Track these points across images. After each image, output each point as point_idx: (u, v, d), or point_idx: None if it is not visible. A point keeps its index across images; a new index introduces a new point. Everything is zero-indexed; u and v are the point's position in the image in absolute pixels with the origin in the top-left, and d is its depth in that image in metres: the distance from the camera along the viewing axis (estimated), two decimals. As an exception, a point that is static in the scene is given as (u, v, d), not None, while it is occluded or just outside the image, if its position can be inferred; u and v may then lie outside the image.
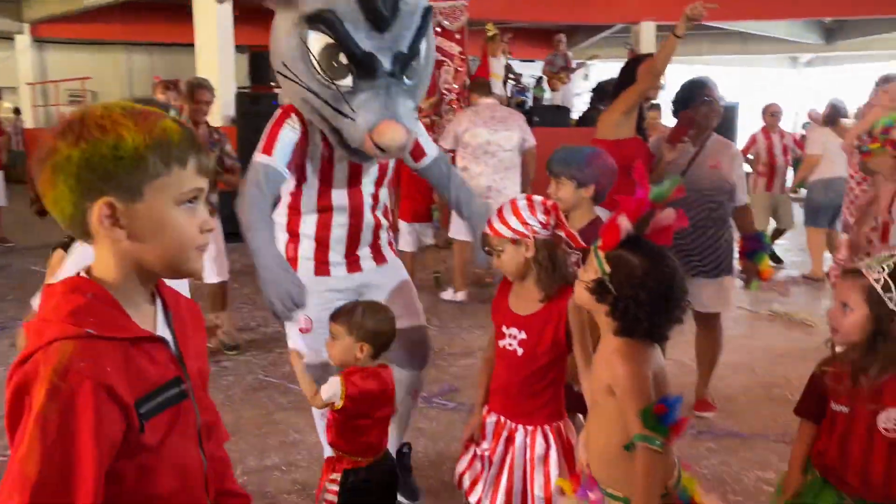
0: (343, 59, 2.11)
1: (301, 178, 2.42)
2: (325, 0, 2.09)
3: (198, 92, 4.24)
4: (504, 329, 2.01)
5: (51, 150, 1.00)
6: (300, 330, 2.50)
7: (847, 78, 22.58)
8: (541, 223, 1.93)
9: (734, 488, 2.89)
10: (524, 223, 1.92)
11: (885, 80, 4.44)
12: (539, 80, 13.83)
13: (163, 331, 1.13)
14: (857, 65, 20.59)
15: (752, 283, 3.52)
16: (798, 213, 7.15)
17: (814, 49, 18.80)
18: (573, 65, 12.53)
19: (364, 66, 2.10)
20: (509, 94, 13.35)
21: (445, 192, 2.66)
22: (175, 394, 1.09)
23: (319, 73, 2.14)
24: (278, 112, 2.37)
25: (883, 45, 17.31)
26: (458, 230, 5.56)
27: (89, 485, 0.95)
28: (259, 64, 9.76)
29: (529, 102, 12.46)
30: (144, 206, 1.03)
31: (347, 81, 2.13)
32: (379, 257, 2.60)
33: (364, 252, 2.55)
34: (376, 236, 2.58)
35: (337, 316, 2.20)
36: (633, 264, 1.50)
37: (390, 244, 2.68)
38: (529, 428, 1.98)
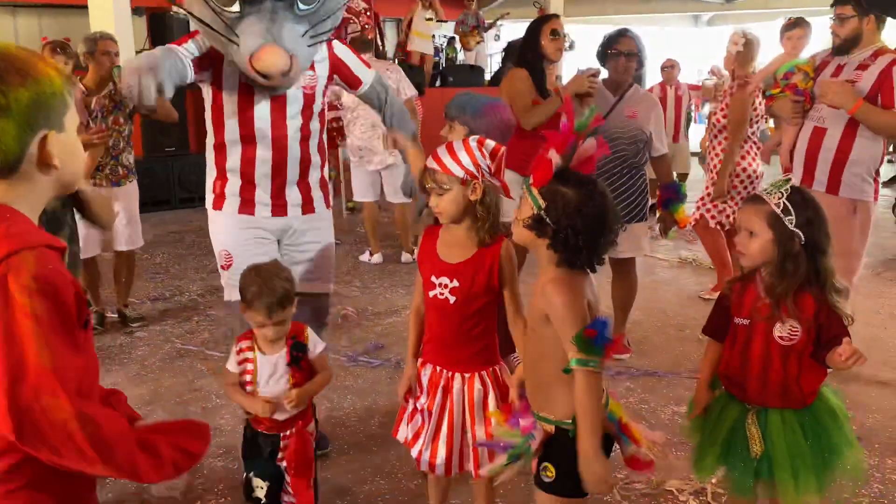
0: None
1: (218, 104, 2.39)
2: None
3: (102, 44, 3.86)
4: (433, 279, 1.95)
5: None
6: (221, 266, 2.53)
7: (745, 36, 23.40)
8: (487, 166, 1.87)
9: (651, 423, 3.01)
10: (476, 163, 1.86)
11: (788, 27, 4.60)
12: (451, 39, 13.78)
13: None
14: (757, 23, 21.46)
15: (670, 231, 3.65)
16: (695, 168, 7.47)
17: (715, 7, 19.41)
18: (485, 24, 12.52)
19: None
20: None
21: (381, 116, 2.71)
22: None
23: (211, 1, 2.13)
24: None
25: (781, 3, 18.06)
26: (363, 193, 5.57)
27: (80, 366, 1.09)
28: (159, 26, 9.29)
29: (443, 63, 12.44)
30: (65, 135, 1.16)
31: (235, 7, 2.11)
32: (307, 205, 2.56)
33: (293, 195, 2.50)
34: (305, 174, 2.52)
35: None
36: (567, 195, 1.54)
37: (325, 189, 2.63)
38: (466, 375, 1.96)
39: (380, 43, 10.13)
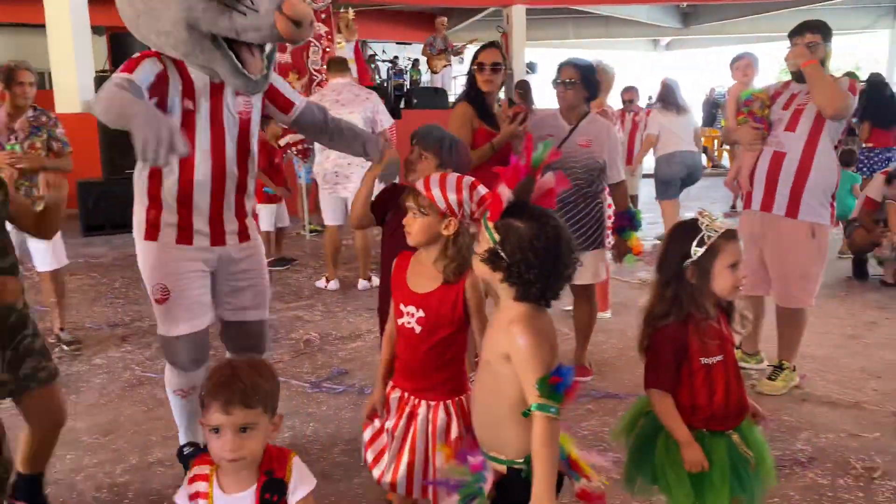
0: None
1: None
2: None
3: (17, 74, 3.98)
4: (402, 307, 1.98)
5: None
6: (155, 300, 2.47)
7: (703, 59, 24.12)
8: (471, 210, 1.88)
9: (613, 446, 3.05)
10: (460, 203, 1.86)
11: (735, 59, 4.84)
12: (415, 62, 13.91)
13: None
14: (713, 48, 22.10)
15: (627, 257, 3.70)
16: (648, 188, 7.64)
17: (672, 32, 19.91)
18: (453, 47, 12.67)
19: None
20: (386, 77, 13.39)
21: (324, 134, 2.71)
22: None
23: None
24: (137, 55, 2.29)
25: (735, 29, 18.67)
26: (332, 217, 5.53)
27: None
28: (119, 45, 9.18)
29: (407, 84, 12.54)
30: None
31: None
32: (243, 233, 2.57)
33: (229, 222, 2.51)
34: (241, 202, 2.54)
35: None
36: (521, 230, 1.55)
37: (255, 217, 2.70)
38: (432, 403, 1.97)
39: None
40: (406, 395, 2.01)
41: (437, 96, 11.05)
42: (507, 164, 3.47)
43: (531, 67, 17.86)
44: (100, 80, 8.34)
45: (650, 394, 1.92)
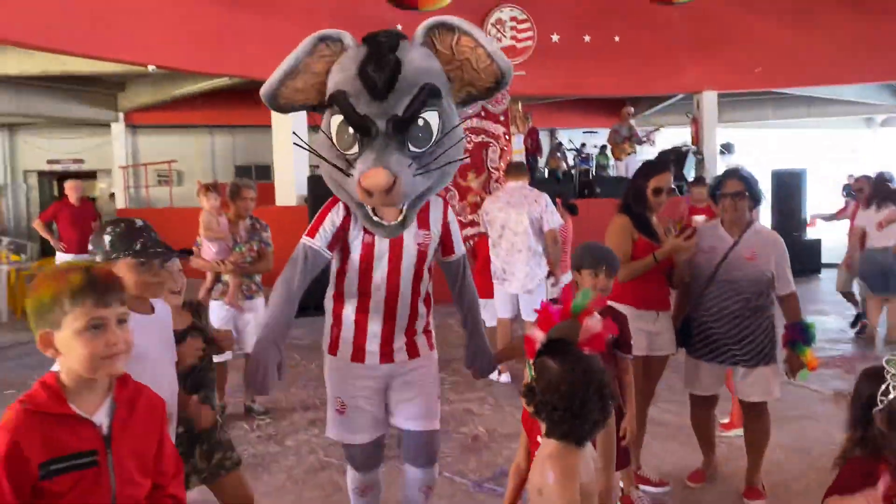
0: (350, 129, 2.37)
1: (344, 262, 2.62)
2: (337, 83, 2.41)
3: (242, 191, 4.87)
4: (540, 439, 2.06)
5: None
6: (335, 410, 2.74)
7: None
8: None
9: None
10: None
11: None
12: (603, 147, 14.05)
13: (100, 416, 1.59)
14: (936, 122, 20.00)
15: (801, 373, 3.48)
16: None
17: (887, 109, 18.38)
18: (640, 134, 12.71)
19: (361, 128, 2.33)
20: (572, 164, 13.66)
21: (454, 288, 2.87)
22: (86, 462, 1.54)
23: (337, 148, 2.42)
24: (329, 201, 2.65)
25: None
26: (502, 310, 5.74)
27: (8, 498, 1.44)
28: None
29: (593, 171, 12.70)
30: (61, 335, 1.54)
31: (355, 149, 2.38)
32: (412, 350, 2.72)
33: (399, 342, 2.69)
34: (412, 323, 2.71)
35: None
36: (552, 370, 1.65)
37: (428, 334, 2.82)
38: None
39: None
40: None
41: (620, 185, 11.07)
42: (668, 275, 3.55)
43: (727, 148, 17.29)
44: (312, 178, 9.29)
45: None
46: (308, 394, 5.54)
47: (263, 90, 2.48)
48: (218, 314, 4.77)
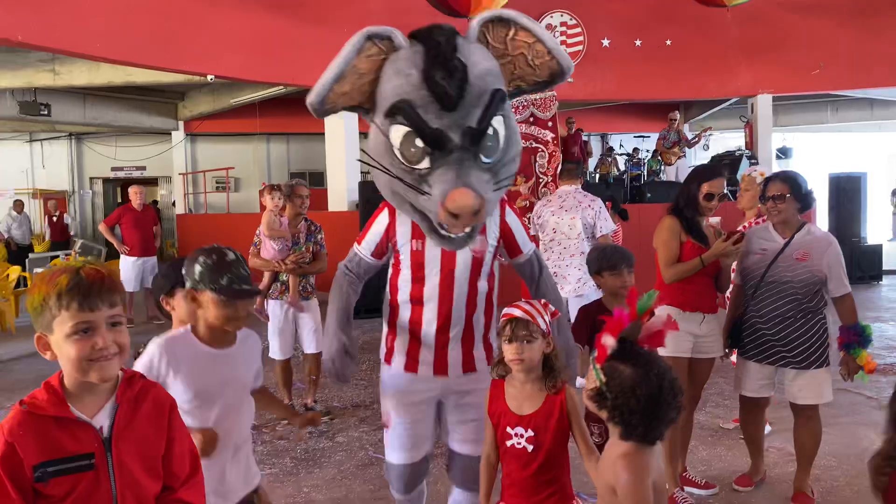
0: (419, 142, 2.21)
1: (396, 269, 2.59)
2: (399, 93, 2.24)
3: (297, 190, 5.05)
4: (508, 430, 2.17)
5: None
6: (383, 424, 2.72)
7: None
8: (548, 325, 2.18)
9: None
10: (546, 323, 2.17)
11: None
12: (655, 152, 13.93)
13: (101, 418, 1.54)
14: None
15: (860, 375, 3.42)
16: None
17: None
18: (689, 138, 12.55)
19: (435, 142, 2.19)
20: (623, 169, 13.57)
21: (533, 285, 2.72)
22: (84, 465, 1.49)
23: (402, 162, 2.26)
24: (379, 207, 2.64)
25: None
26: None
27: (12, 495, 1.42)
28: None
29: (644, 176, 12.59)
30: (53, 338, 1.51)
31: (425, 163, 2.23)
32: (468, 363, 2.58)
33: (454, 354, 2.56)
34: (468, 335, 2.57)
35: None
36: (625, 374, 1.67)
37: (488, 348, 2.65)
38: None
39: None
40: None
41: (670, 189, 10.98)
42: (713, 277, 3.56)
43: (784, 152, 16.93)
44: (363, 184, 9.49)
45: None
46: (358, 392, 5.67)
47: (312, 97, 2.30)
48: (275, 312, 4.94)
